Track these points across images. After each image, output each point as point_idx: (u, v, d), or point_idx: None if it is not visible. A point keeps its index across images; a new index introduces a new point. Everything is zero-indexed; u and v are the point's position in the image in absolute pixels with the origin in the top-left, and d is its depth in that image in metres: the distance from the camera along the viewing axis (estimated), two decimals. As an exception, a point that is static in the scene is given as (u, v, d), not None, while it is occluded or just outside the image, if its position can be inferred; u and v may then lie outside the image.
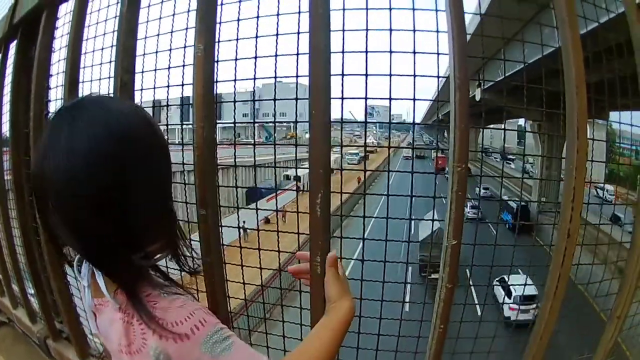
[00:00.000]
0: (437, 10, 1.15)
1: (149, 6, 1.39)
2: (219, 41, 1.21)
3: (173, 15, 1.33)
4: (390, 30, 1.17)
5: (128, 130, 0.70)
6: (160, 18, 1.36)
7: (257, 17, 1.21)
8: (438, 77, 1.19)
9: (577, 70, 1.18)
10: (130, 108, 0.77)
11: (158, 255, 0.80)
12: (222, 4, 1.24)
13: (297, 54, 1.15)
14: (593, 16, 1.52)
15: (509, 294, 9.00)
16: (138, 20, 1.33)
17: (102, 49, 1.50)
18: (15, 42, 1.92)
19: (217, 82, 1.20)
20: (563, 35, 1.20)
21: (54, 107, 1.65)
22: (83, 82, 1.52)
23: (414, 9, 1.18)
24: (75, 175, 0.65)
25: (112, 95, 1.28)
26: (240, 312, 1.55)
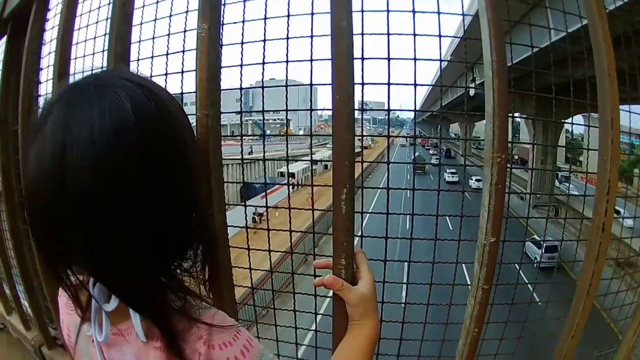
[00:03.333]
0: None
1: (145, -10, 1.15)
2: (223, 23, 0.99)
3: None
4: (414, 12, 0.96)
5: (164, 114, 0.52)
6: (157, 1, 1.12)
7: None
8: (466, 62, 0.99)
9: (608, 57, 1.00)
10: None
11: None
12: (225, -16, 1.02)
13: (312, 36, 0.94)
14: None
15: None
16: (133, 5, 1.09)
17: (95, 38, 1.26)
18: (5, 38, 1.65)
19: (221, 67, 0.98)
20: (592, 23, 1.02)
21: (43, 102, 1.39)
22: (74, 74, 1.27)
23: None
24: (120, 171, 0.46)
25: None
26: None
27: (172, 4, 1.08)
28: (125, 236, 0.48)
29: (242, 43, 1.00)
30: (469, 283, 0.90)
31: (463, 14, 0.99)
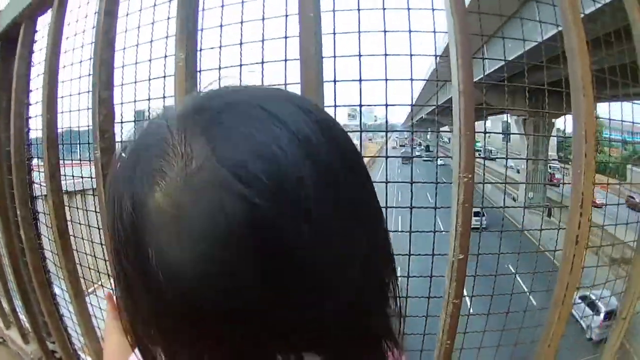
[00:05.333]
0: (433, 10, 1.01)
1: (127, 15, 1.22)
2: (201, 49, 1.06)
3: (152, 23, 1.17)
4: (385, 32, 1.02)
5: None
6: (138, 27, 1.19)
7: (241, 22, 1.05)
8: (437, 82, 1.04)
9: (583, 68, 1.04)
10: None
11: None
12: (203, 10, 1.09)
13: (285, 60, 1.00)
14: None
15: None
16: (115, 31, 1.16)
17: (81, 61, 1.33)
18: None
19: (200, 92, 1.04)
20: (566, 31, 1.06)
21: (34, 124, 1.47)
22: (62, 97, 1.35)
23: (409, 9, 1.03)
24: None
25: None
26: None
27: (152, 30, 1.15)
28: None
29: (220, 68, 1.06)
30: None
31: (434, 32, 1.04)
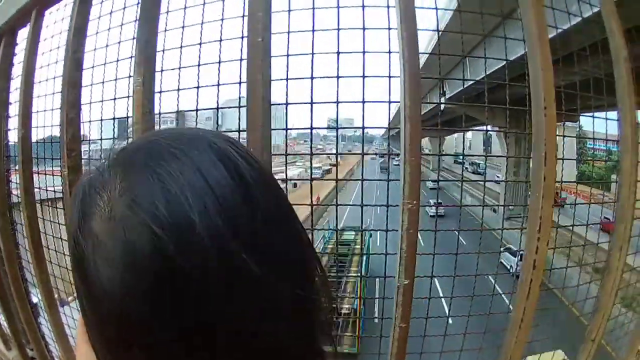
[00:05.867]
0: (390, 29, 1.03)
1: (96, 33, 1.26)
2: (162, 70, 1.10)
3: (119, 43, 1.21)
4: (338, 53, 1.04)
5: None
6: (107, 46, 1.24)
7: (200, 43, 1.08)
8: (389, 101, 1.06)
9: (546, 90, 1.04)
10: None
11: None
12: (165, 30, 1.12)
13: (239, 83, 1.03)
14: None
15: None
16: (84, 51, 1.20)
17: (55, 77, 1.38)
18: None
19: (160, 114, 1.08)
20: (531, 48, 1.06)
21: (12, 136, 1.53)
22: (37, 112, 1.40)
23: (364, 29, 1.05)
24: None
25: None
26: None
27: (119, 50, 1.19)
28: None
29: (178, 90, 1.10)
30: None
31: (390, 52, 1.06)
